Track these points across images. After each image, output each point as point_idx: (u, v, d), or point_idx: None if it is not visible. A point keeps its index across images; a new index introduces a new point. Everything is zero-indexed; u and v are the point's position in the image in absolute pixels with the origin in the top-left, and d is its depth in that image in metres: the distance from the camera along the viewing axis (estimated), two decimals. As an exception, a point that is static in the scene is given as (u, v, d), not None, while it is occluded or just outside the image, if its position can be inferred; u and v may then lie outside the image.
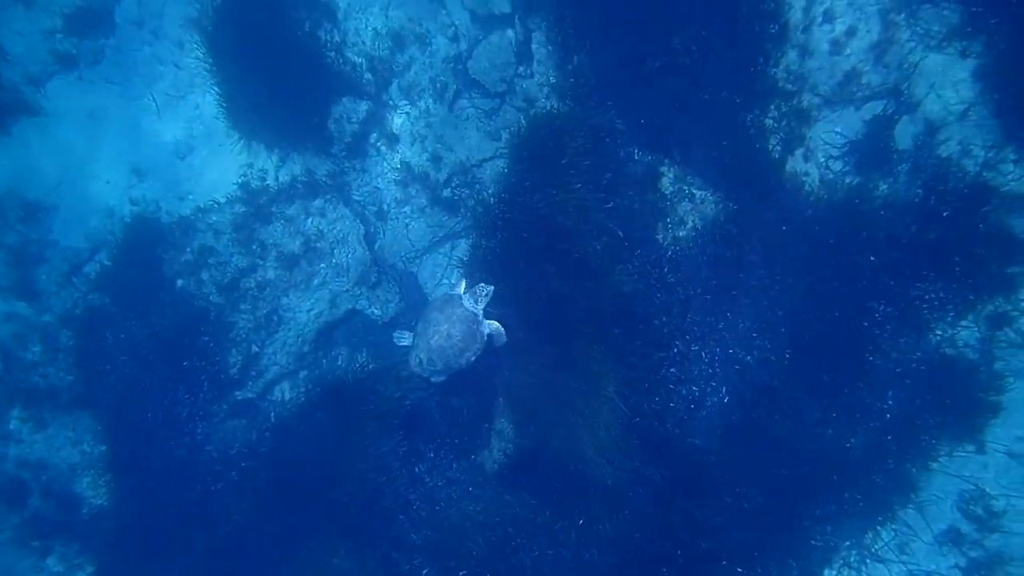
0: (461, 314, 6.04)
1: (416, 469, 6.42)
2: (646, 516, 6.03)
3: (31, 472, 7.31)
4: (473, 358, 6.10)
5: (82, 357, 7.11)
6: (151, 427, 6.68)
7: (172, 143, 8.10)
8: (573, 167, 6.37)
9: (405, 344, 6.49)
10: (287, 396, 7.45)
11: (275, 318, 7.40)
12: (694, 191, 6.96)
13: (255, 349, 7.30)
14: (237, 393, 7.34)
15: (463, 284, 6.30)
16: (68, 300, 7.49)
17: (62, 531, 7.50)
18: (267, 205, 7.67)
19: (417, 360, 6.15)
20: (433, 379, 6.30)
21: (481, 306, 6.10)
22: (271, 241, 7.47)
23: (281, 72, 7.63)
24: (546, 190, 6.16)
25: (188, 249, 7.39)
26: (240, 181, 7.83)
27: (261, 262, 7.43)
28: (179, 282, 7.27)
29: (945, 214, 6.21)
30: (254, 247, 7.44)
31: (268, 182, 7.85)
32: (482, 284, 6.14)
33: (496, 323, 6.16)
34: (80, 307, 7.38)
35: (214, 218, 7.59)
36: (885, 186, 6.56)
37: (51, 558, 7.54)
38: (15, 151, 7.95)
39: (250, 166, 7.88)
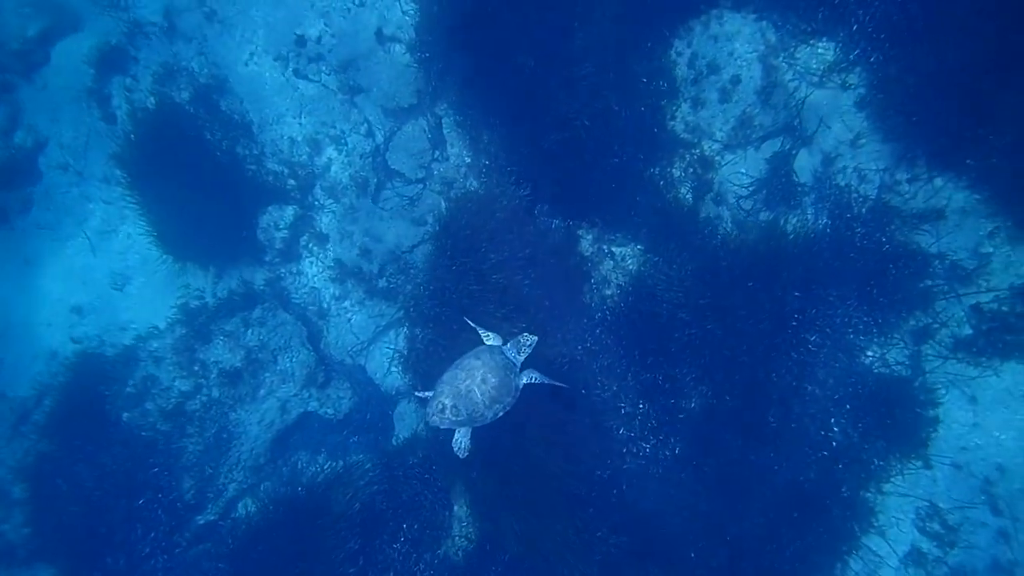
0: (500, 361, 5.56)
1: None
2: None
3: (-10, 641, 7.23)
4: (501, 413, 5.57)
5: (37, 508, 7.07)
6: (113, 572, 6.60)
7: (109, 276, 8.23)
8: (491, 250, 6.53)
9: (427, 395, 5.82)
10: (251, 510, 7.41)
11: (224, 436, 7.41)
12: (613, 249, 7.12)
13: (208, 471, 7.28)
14: (198, 518, 7.29)
15: (499, 338, 5.86)
16: (19, 451, 7.46)
17: None
18: (206, 324, 7.75)
19: (439, 407, 5.44)
20: (455, 443, 5.67)
21: (523, 356, 5.70)
22: (212, 359, 7.53)
23: (205, 191, 7.82)
24: (465, 282, 6.28)
25: (130, 381, 7.43)
26: (179, 303, 7.94)
27: (204, 382, 7.48)
28: (124, 415, 7.28)
29: (857, 241, 6.39)
30: (196, 368, 7.49)
31: (207, 300, 7.97)
32: (525, 334, 5.79)
33: (533, 370, 5.69)
34: (31, 456, 7.35)
35: (154, 345, 7.66)
36: (795, 219, 6.74)
37: None
38: (-47, 312, 8.06)
39: (187, 287, 8.01)
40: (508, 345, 5.80)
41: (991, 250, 6.12)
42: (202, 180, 7.84)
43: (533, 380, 5.71)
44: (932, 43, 5.88)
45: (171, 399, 7.35)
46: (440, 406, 5.47)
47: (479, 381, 5.45)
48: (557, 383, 5.69)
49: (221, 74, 8.09)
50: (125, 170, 7.88)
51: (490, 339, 5.87)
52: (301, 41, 8.00)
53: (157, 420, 7.28)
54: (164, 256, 8.01)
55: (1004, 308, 6.07)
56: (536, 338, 5.79)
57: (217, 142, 7.96)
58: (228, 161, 7.99)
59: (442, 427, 5.65)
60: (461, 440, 5.69)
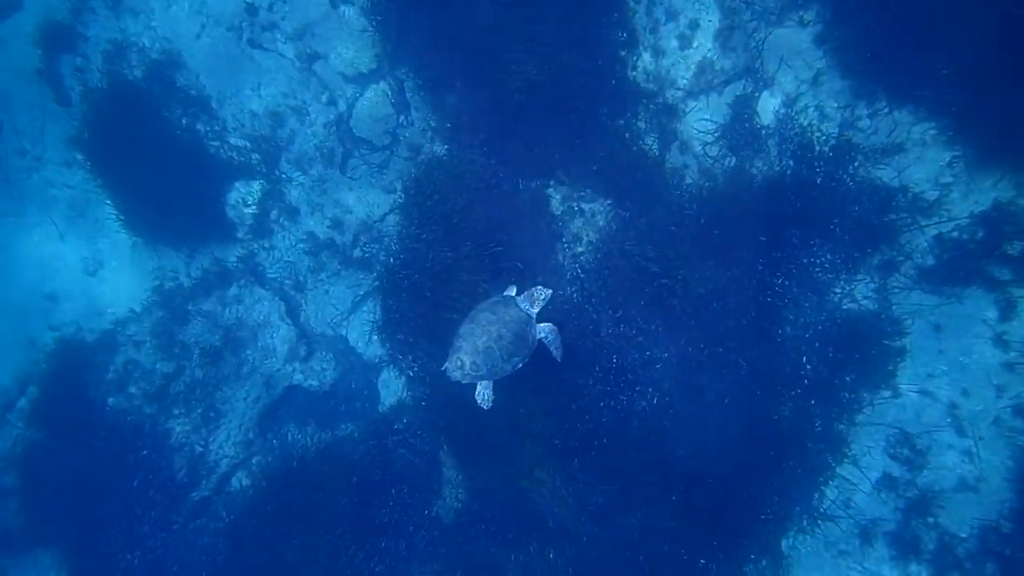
0: (514, 315, 5.61)
1: (382, 543, 6.51)
2: (599, 535, 6.21)
3: (-4, 625, 7.41)
4: (520, 364, 5.65)
5: (30, 495, 7.17)
6: (114, 551, 6.75)
7: (80, 262, 8.16)
8: (461, 218, 6.55)
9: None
10: (245, 484, 7.55)
11: (212, 414, 7.49)
12: (583, 206, 7.14)
13: (199, 449, 7.39)
14: (193, 494, 7.42)
15: (514, 288, 5.95)
16: (7, 440, 7.53)
17: None
18: (183, 305, 7.76)
19: (458, 363, 5.52)
20: (478, 395, 5.72)
21: (536, 309, 5.75)
22: (192, 340, 7.56)
23: (170, 171, 7.74)
24: (437, 250, 6.30)
25: (112, 366, 7.46)
26: (154, 286, 7.92)
27: (186, 363, 7.52)
28: (110, 400, 7.34)
29: (819, 180, 6.46)
30: (176, 350, 7.53)
31: (181, 281, 7.94)
32: (539, 287, 5.81)
33: (551, 325, 5.75)
34: (20, 445, 7.42)
35: (133, 329, 7.67)
36: (760, 163, 6.77)
37: None
38: (-74, 307, 7.99)
39: (161, 269, 7.97)
40: (522, 297, 5.84)
41: (951, 180, 6.21)
42: (165, 160, 7.74)
43: (547, 340, 5.75)
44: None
45: (154, 382, 7.41)
46: (459, 362, 5.54)
47: (495, 336, 5.50)
48: (556, 353, 5.78)
49: (173, 48, 7.89)
50: (85, 153, 7.77)
51: (509, 291, 5.91)
52: (252, 9, 7.80)
53: (142, 403, 7.34)
54: (134, 239, 7.95)
55: (964, 236, 6.20)
56: (550, 291, 5.80)
57: (176, 120, 7.83)
58: (190, 138, 7.87)
59: (463, 382, 5.69)
60: (483, 392, 5.75)
